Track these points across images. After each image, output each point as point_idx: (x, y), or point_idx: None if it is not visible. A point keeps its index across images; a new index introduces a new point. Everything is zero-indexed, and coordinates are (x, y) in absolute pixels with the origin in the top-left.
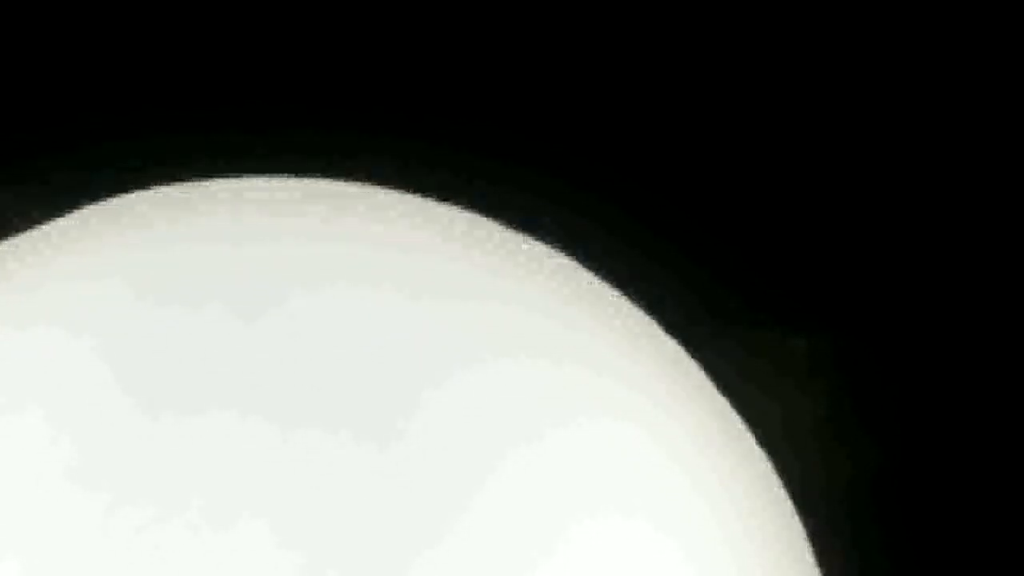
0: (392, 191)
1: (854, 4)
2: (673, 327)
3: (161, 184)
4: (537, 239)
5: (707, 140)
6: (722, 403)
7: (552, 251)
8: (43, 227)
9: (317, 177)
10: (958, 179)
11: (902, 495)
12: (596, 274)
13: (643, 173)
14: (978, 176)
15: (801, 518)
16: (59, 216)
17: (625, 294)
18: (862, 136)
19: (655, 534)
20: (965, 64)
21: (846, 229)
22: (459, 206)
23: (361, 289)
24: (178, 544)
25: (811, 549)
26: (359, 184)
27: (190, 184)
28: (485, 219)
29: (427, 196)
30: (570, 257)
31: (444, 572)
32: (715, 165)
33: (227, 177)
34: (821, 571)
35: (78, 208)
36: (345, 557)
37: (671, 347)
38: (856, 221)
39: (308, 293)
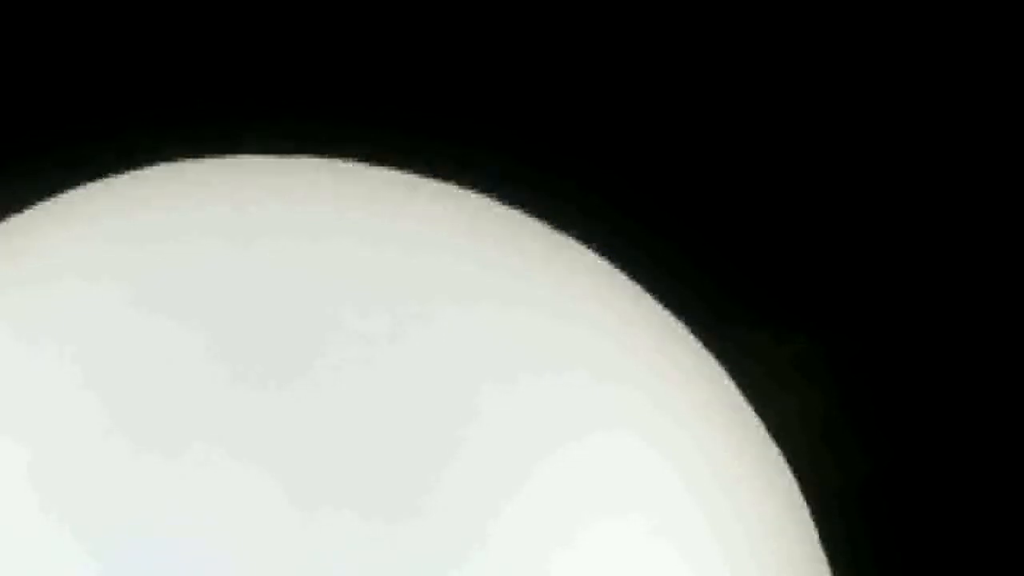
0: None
1: (854, 4)
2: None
3: (167, 162)
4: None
5: (709, 142)
6: (733, 397)
7: (558, 239)
8: (35, 208)
9: (323, 158)
10: (955, 184)
11: (898, 497)
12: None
13: (645, 174)
14: (975, 179)
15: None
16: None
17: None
18: (862, 138)
19: (654, 529)
20: (964, 64)
21: (841, 232)
22: (473, 192)
23: (378, 293)
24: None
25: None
26: (384, 169)
27: (190, 163)
28: (492, 202)
29: (449, 183)
30: (571, 246)
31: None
32: (715, 167)
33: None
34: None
35: (50, 199)
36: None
37: (682, 342)
38: (851, 224)
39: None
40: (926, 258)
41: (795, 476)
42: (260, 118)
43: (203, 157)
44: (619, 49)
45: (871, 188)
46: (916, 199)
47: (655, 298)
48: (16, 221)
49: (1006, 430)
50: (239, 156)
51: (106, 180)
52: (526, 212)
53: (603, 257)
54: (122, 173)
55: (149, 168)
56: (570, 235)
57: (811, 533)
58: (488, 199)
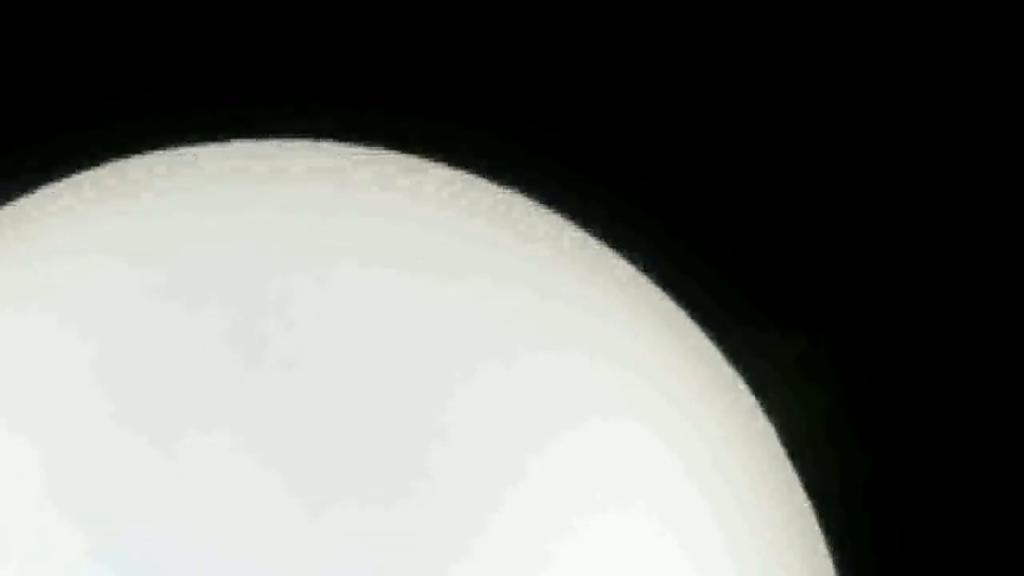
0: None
1: (854, 4)
2: None
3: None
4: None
5: (709, 141)
6: (738, 393)
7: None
8: (33, 195)
9: (328, 142)
10: (957, 182)
11: (901, 494)
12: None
13: (658, 171)
14: (977, 178)
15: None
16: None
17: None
18: (864, 138)
19: (656, 520)
20: (965, 64)
21: (848, 231)
22: (490, 183)
23: (383, 278)
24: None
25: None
26: (393, 154)
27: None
28: (505, 192)
29: (471, 174)
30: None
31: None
32: (717, 166)
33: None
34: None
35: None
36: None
37: (690, 338)
38: (857, 224)
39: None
40: (930, 257)
41: (799, 471)
42: (266, 104)
43: (217, 142)
44: (637, 45)
45: (877, 189)
46: (921, 200)
47: (667, 295)
48: (22, 204)
49: (1009, 427)
50: (249, 141)
51: (112, 165)
52: (541, 203)
53: (616, 253)
54: (128, 158)
55: (155, 154)
56: (578, 225)
57: (814, 528)
58: (502, 189)
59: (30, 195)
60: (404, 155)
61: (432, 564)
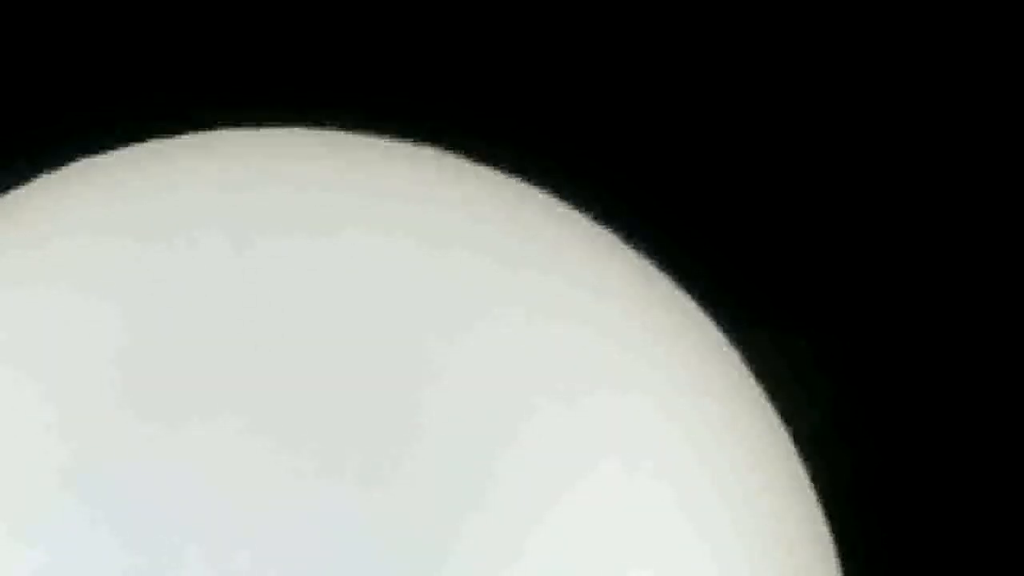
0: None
1: (854, 4)
2: None
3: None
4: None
5: (726, 139)
6: (749, 389)
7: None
8: (36, 181)
9: (333, 129)
10: (959, 180)
11: (908, 492)
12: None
13: (663, 170)
14: (979, 177)
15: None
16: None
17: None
18: (866, 137)
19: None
20: (964, 64)
21: (858, 229)
22: (503, 177)
23: (389, 246)
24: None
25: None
26: (413, 145)
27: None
28: (513, 183)
29: (484, 166)
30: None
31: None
32: (735, 164)
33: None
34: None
35: (68, 165)
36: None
37: (702, 332)
38: (867, 222)
39: (313, 239)
40: (943, 258)
41: (809, 469)
42: (275, 93)
43: (231, 128)
44: (650, 43)
45: (895, 190)
46: (937, 201)
47: (681, 291)
48: (39, 184)
49: (1016, 424)
50: (258, 129)
51: (112, 154)
52: (556, 196)
53: (631, 248)
54: (145, 141)
55: (171, 138)
56: (595, 220)
57: (822, 524)
58: (517, 181)
59: (47, 175)
60: (410, 146)
61: (429, 542)
